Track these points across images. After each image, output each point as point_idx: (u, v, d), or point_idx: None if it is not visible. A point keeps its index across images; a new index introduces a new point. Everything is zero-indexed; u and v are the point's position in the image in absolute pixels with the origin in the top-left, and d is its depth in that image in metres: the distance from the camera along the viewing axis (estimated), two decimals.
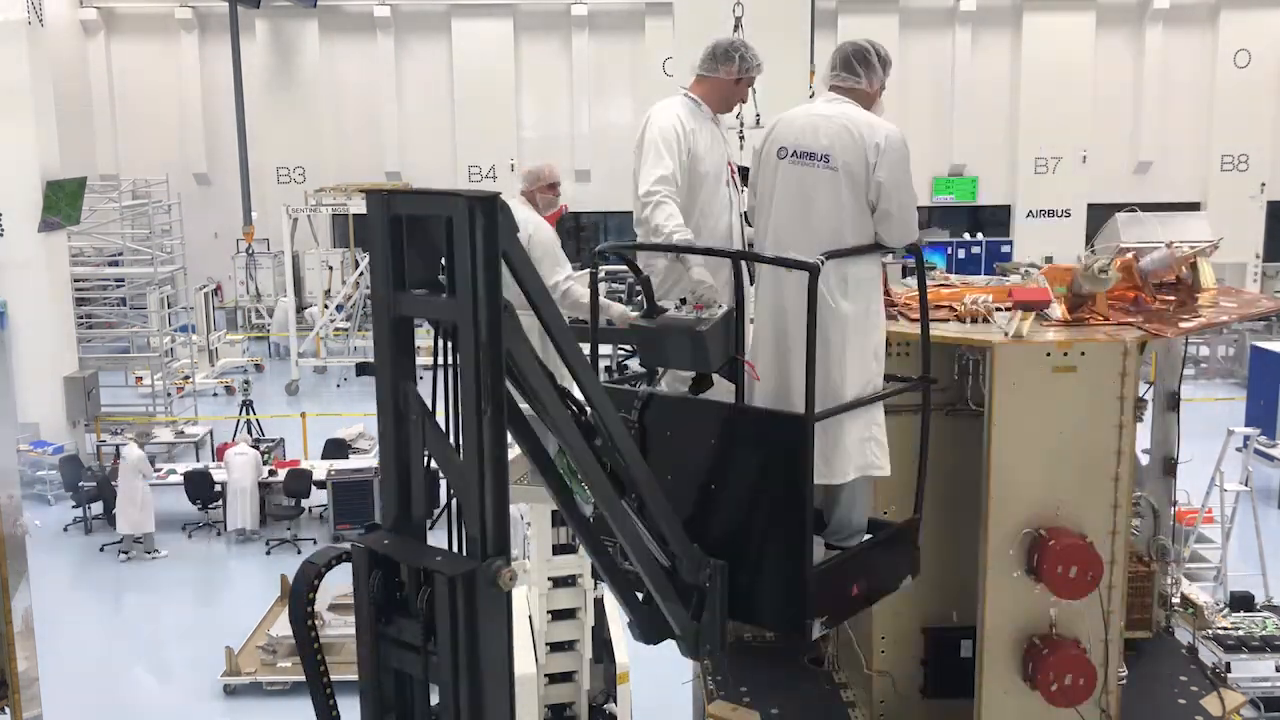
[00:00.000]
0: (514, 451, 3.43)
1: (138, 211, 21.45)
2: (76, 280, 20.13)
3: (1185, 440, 6.40)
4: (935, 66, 27.39)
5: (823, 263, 3.99)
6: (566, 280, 6.46)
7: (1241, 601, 9.93)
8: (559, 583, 7.23)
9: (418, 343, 3.56)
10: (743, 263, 4.70)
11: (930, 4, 27.46)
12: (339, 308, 24.35)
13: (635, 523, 3.79)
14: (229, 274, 26.84)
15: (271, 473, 15.23)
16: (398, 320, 3.39)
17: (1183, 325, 5.41)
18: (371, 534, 3.51)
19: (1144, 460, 6.17)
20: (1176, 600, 6.62)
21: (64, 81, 22.27)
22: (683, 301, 4.31)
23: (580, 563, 7.19)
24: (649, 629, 4.10)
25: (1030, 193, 27.95)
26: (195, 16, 27.98)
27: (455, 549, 3.40)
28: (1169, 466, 6.36)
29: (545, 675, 7.27)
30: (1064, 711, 5.00)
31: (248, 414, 17.17)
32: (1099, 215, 25.27)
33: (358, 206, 21.86)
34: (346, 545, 3.55)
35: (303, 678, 3.70)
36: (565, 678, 7.43)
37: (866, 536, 4.54)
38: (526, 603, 7.40)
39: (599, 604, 7.61)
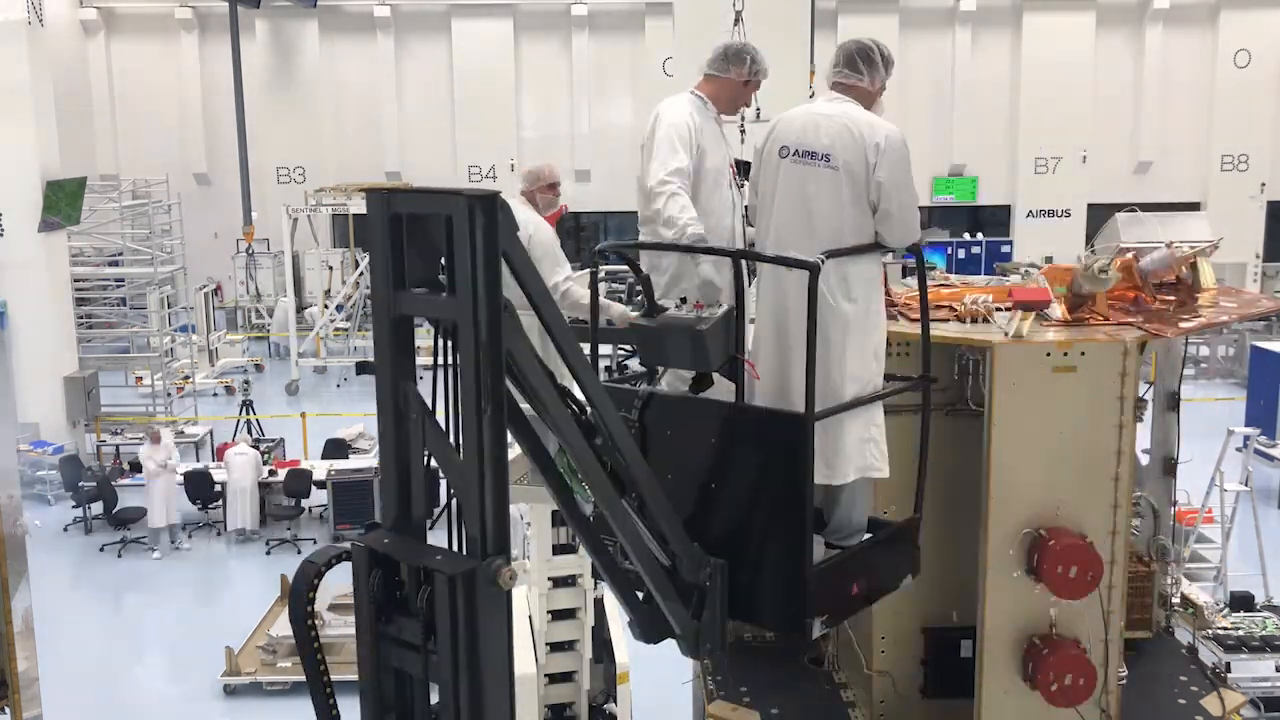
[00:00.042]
0: (514, 451, 3.43)
1: (138, 211, 21.45)
2: (76, 280, 20.14)
3: (1185, 440, 6.40)
4: (935, 66, 27.40)
5: (823, 262, 4.00)
6: (566, 280, 6.46)
7: (1241, 601, 9.93)
8: (559, 583, 7.24)
9: (418, 342, 3.56)
10: (743, 261, 4.71)
11: (930, 4, 27.46)
12: (339, 307, 24.35)
13: (635, 522, 3.79)
14: (229, 274, 26.86)
15: (271, 473, 15.23)
16: (398, 319, 3.39)
17: (1183, 325, 5.41)
18: (371, 533, 3.50)
19: (1144, 460, 6.16)
20: (1176, 600, 6.61)
21: (64, 81, 22.26)
22: (683, 300, 4.31)
23: (580, 563, 7.20)
24: (649, 628, 4.09)
25: (1030, 193, 27.97)
26: (195, 16, 27.99)
27: (455, 548, 3.40)
28: (1169, 466, 6.36)
29: (545, 675, 7.28)
30: (1064, 711, 5.00)
31: (248, 414, 17.18)
32: (1099, 215, 25.30)
33: (358, 206, 21.87)
34: (346, 545, 3.55)
35: (303, 678, 3.69)
36: (565, 678, 7.43)
37: (866, 536, 4.54)
38: (526, 603, 7.40)
39: (599, 604, 7.62)
